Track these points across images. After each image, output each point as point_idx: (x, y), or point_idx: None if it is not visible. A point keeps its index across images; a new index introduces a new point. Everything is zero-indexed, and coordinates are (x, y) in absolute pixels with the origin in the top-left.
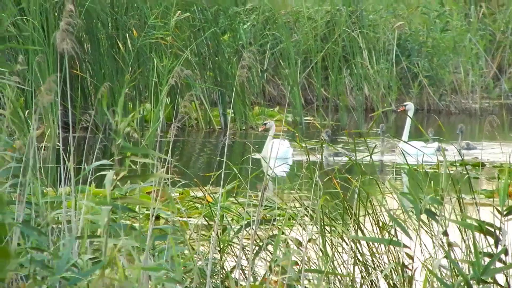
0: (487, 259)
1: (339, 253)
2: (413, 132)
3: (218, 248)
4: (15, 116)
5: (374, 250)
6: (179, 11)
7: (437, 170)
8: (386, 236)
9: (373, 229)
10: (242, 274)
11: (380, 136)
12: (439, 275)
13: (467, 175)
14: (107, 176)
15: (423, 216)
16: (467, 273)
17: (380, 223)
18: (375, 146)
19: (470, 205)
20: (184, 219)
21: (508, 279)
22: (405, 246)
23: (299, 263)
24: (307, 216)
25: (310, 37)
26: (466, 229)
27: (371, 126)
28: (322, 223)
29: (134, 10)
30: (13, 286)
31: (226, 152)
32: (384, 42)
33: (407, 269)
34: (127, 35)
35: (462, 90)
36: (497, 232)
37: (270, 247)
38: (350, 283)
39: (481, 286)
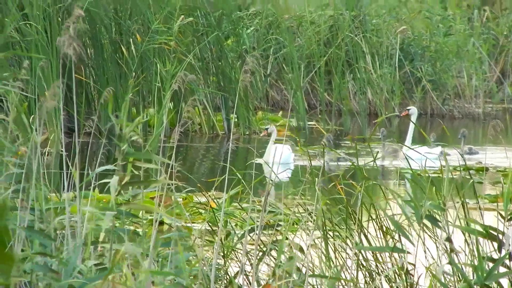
0: (491, 264)
1: (343, 258)
2: (416, 137)
3: (222, 254)
4: (18, 122)
5: (378, 255)
6: (183, 16)
7: (440, 175)
8: (390, 241)
9: (376, 234)
10: (246, 279)
11: (381, 140)
12: (442, 280)
13: (472, 180)
14: (111, 182)
15: (428, 221)
16: (471, 278)
17: (384, 228)
18: (377, 152)
19: (474, 210)
20: (188, 224)
21: None
22: (407, 252)
23: (301, 268)
24: (310, 221)
25: (313, 42)
26: (470, 234)
27: (373, 132)
28: (325, 228)
29: (137, 15)
30: None
31: (230, 157)
32: (387, 47)
33: (410, 275)
34: (130, 40)
35: (466, 94)
36: (501, 236)
37: (273, 252)
38: None
39: None
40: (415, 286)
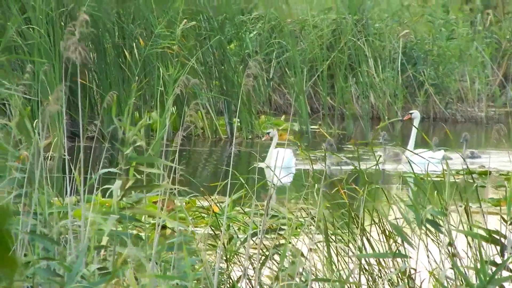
0: (494, 268)
1: (346, 262)
2: (419, 141)
3: (225, 258)
4: (22, 126)
5: (381, 259)
6: (185, 20)
7: (443, 179)
8: (393, 244)
9: (379, 238)
10: (249, 283)
11: (381, 144)
12: (445, 285)
13: (475, 184)
14: (114, 186)
15: (429, 226)
16: (474, 282)
17: (387, 232)
18: (380, 156)
19: (476, 214)
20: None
21: None
22: (409, 257)
23: (304, 272)
24: (313, 225)
25: (316, 46)
26: (473, 238)
27: (374, 136)
28: (326, 231)
29: (140, 19)
30: None
31: (232, 161)
32: (390, 51)
33: (412, 280)
34: (133, 44)
35: (468, 98)
36: (504, 240)
37: (276, 256)
38: None
39: None
40: None
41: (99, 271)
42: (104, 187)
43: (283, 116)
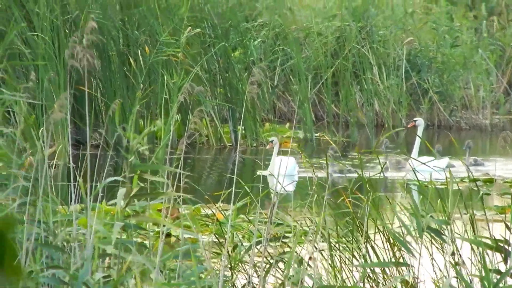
0: (499, 276)
1: (350, 270)
2: (423, 148)
3: (229, 266)
4: (27, 133)
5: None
6: (190, 27)
7: (447, 186)
8: (398, 252)
9: (384, 246)
10: None
11: (383, 152)
12: None
13: (482, 192)
14: (119, 194)
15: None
16: None
17: (391, 240)
18: (385, 163)
19: (481, 221)
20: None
21: None
22: (411, 266)
23: (308, 279)
24: (317, 233)
25: (320, 53)
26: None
27: (376, 143)
28: (329, 240)
29: (145, 26)
30: None
31: (237, 169)
32: (394, 58)
33: None
34: (138, 51)
35: (473, 105)
36: (508, 248)
37: (280, 264)
38: None
39: None
40: None
41: (104, 279)
42: (109, 193)
43: (288, 124)
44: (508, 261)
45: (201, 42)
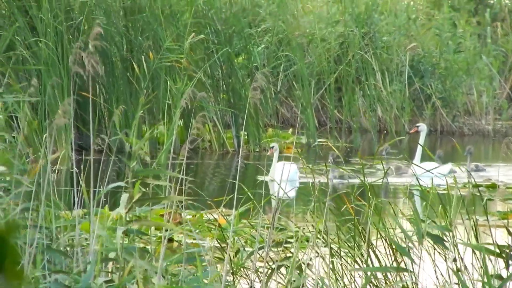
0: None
1: (352, 276)
2: (426, 154)
3: (231, 271)
4: (30, 139)
5: (388, 273)
6: (194, 33)
7: (449, 192)
8: (399, 258)
9: (386, 252)
10: None
11: (385, 157)
12: None
13: (486, 198)
14: (122, 199)
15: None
16: None
17: (393, 246)
18: (388, 169)
19: (483, 227)
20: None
21: None
22: (411, 271)
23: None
24: (319, 239)
25: (323, 59)
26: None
27: (377, 149)
28: (329, 245)
29: (149, 32)
30: None
31: (239, 174)
32: (397, 64)
33: None
34: (142, 57)
35: (475, 111)
36: (510, 253)
37: (282, 269)
38: None
39: None
40: None
41: (106, 284)
42: (111, 199)
43: (291, 129)
44: (510, 267)
45: (204, 48)
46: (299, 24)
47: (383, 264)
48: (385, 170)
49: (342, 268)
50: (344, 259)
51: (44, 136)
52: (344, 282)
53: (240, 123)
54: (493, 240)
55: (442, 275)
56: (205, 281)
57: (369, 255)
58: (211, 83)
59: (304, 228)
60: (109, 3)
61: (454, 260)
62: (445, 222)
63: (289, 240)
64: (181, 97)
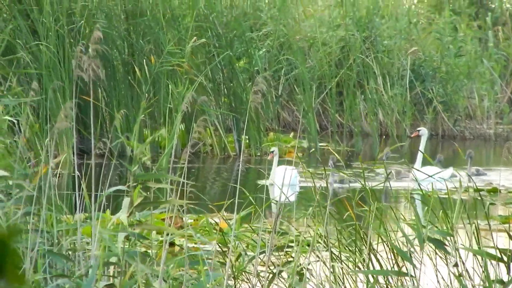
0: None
1: (354, 281)
2: (427, 158)
3: (233, 275)
4: (32, 143)
5: (389, 278)
6: (195, 37)
7: (451, 196)
8: (401, 262)
9: (387, 256)
10: None
11: (386, 162)
12: None
13: (488, 203)
14: (123, 203)
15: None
16: None
17: (394, 250)
18: (389, 173)
19: (485, 231)
20: (199, 245)
21: None
22: (411, 275)
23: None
24: (319, 243)
25: (324, 63)
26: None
27: (377, 154)
28: (330, 248)
29: (150, 35)
30: None
31: (241, 178)
32: (398, 68)
33: None
34: (143, 61)
35: (477, 115)
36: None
37: (283, 273)
38: None
39: None
40: None
41: None
42: (112, 203)
43: (292, 133)
44: (511, 271)
45: (205, 52)
46: (300, 28)
47: (385, 269)
48: (387, 175)
49: (343, 272)
50: (345, 264)
51: (46, 140)
52: (345, 287)
53: (242, 127)
54: (494, 245)
55: (444, 280)
56: (208, 285)
57: (370, 259)
58: (212, 87)
59: (305, 233)
60: (111, 6)
61: (456, 264)
62: (446, 227)
63: (290, 244)
64: (182, 101)
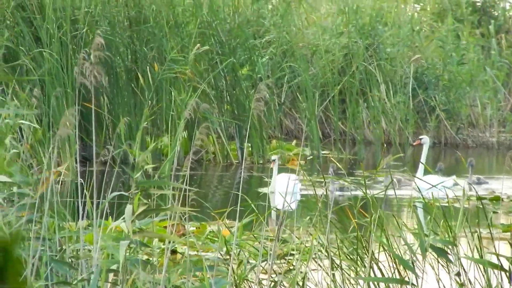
0: None
1: None
2: (429, 166)
3: (234, 283)
4: (35, 150)
5: (390, 286)
6: (198, 44)
7: (453, 204)
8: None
9: (389, 265)
10: None
11: (387, 170)
12: None
13: (491, 212)
14: (126, 210)
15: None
16: None
17: (397, 259)
18: (391, 181)
19: (487, 239)
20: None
21: None
22: (413, 285)
23: None
24: (321, 252)
25: (327, 70)
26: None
27: (379, 163)
28: (330, 256)
29: (153, 42)
30: None
31: (243, 186)
32: (401, 75)
33: None
34: (147, 68)
35: (479, 123)
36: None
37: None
38: None
39: None
40: None
41: None
42: (115, 210)
43: (294, 141)
44: None
45: (208, 59)
46: (303, 36)
47: (386, 276)
48: (389, 183)
49: (343, 278)
50: (347, 272)
51: (50, 148)
52: None
53: (244, 134)
54: (496, 254)
55: None
56: None
57: (371, 267)
58: (215, 94)
59: (307, 241)
60: (114, 13)
61: (458, 273)
62: (448, 236)
63: (292, 252)
64: (185, 108)
